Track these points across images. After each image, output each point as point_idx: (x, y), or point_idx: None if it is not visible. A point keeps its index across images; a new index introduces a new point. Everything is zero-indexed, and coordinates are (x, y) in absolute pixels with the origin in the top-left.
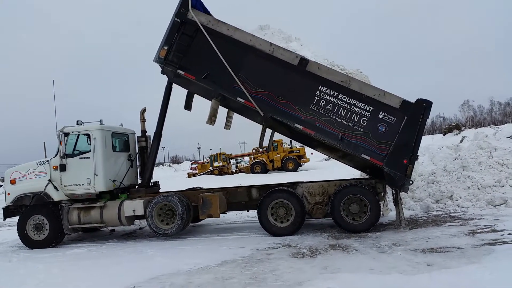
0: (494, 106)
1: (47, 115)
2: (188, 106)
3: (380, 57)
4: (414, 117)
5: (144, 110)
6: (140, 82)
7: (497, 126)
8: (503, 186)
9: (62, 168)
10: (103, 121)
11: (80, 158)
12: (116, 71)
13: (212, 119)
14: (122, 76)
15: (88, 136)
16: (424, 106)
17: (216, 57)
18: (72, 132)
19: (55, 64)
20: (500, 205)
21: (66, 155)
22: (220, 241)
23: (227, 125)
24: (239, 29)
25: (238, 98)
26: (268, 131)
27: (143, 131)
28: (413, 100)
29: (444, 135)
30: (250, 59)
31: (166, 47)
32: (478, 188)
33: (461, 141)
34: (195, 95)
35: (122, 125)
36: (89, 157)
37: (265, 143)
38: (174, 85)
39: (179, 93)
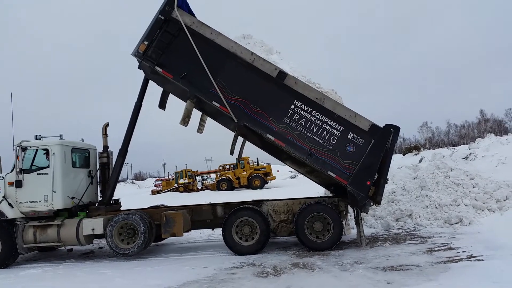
0: (451, 128)
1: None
2: (162, 105)
3: (344, 76)
4: (381, 140)
5: (107, 125)
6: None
7: (453, 147)
8: (458, 205)
9: (18, 184)
10: (63, 135)
11: (37, 174)
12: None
13: (185, 120)
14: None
15: (46, 151)
16: (391, 131)
17: (196, 59)
18: (30, 147)
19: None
20: (456, 223)
21: (23, 171)
22: (183, 261)
23: (200, 129)
24: (222, 35)
25: (214, 102)
26: (240, 140)
27: (105, 147)
28: (382, 124)
29: (403, 155)
30: (230, 65)
31: (146, 42)
32: (436, 207)
33: (420, 161)
34: (170, 95)
35: (83, 140)
36: (47, 173)
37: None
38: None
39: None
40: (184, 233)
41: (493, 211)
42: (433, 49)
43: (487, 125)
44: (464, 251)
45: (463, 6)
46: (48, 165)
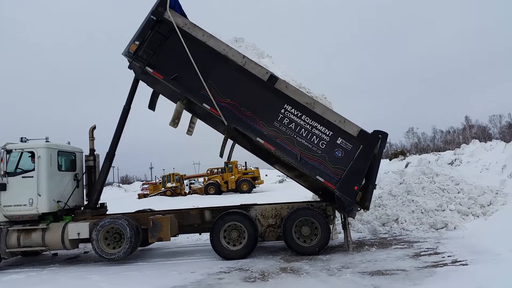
0: (437, 134)
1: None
2: (152, 105)
3: (332, 81)
4: (369, 146)
5: (94, 128)
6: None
7: (439, 153)
8: (444, 210)
9: (2, 187)
10: (49, 138)
11: (22, 177)
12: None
13: (175, 121)
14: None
15: (32, 154)
16: (379, 137)
17: (187, 60)
18: (15, 150)
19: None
20: (441, 228)
21: (8, 174)
22: (170, 266)
23: (190, 131)
24: (214, 37)
25: (204, 104)
26: (229, 143)
27: (92, 150)
28: (370, 129)
29: (390, 160)
30: (221, 68)
31: (137, 42)
32: (422, 212)
33: (406, 166)
34: (160, 96)
35: (69, 143)
36: (32, 176)
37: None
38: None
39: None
40: (171, 238)
41: (478, 216)
42: (419, 57)
43: (472, 131)
44: (449, 256)
45: (452, 15)
46: (34, 168)
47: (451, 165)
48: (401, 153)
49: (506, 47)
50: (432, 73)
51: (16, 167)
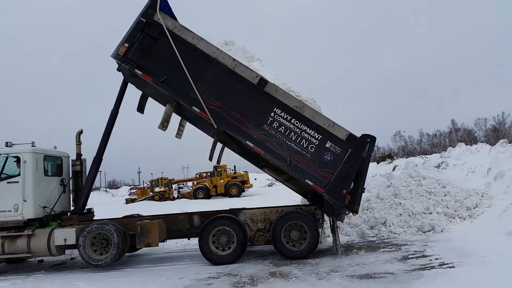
0: (423, 137)
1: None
2: (141, 108)
3: (320, 85)
4: (357, 150)
5: (80, 132)
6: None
7: (425, 156)
8: (431, 213)
9: None
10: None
11: (7, 182)
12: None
13: (164, 124)
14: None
15: (17, 158)
16: (368, 141)
17: (177, 63)
18: (0, 154)
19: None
20: (428, 231)
21: None
22: (158, 272)
23: (179, 134)
24: (204, 40)
25: (194, 107)
26: (219, 146)
27: (78, 155)
28: (358, 133)
29: (377, 163)
30: (211, 71)
31: (126, 44)
32: (409, 215)
33: (393, 169)
34: (149, 98)
35: (55, 147)
36: (18, 182)
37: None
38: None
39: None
40: (159, 243)
41: (464, 219)
42: (406, 61)
43: (458, 135)
44: (437, 259)
45: (434, 20)
46: (19, 173)
47: (438, 168)
48: (389, 156)
49: (496, 50)
50: (418, 77)
51: (1, 172)
